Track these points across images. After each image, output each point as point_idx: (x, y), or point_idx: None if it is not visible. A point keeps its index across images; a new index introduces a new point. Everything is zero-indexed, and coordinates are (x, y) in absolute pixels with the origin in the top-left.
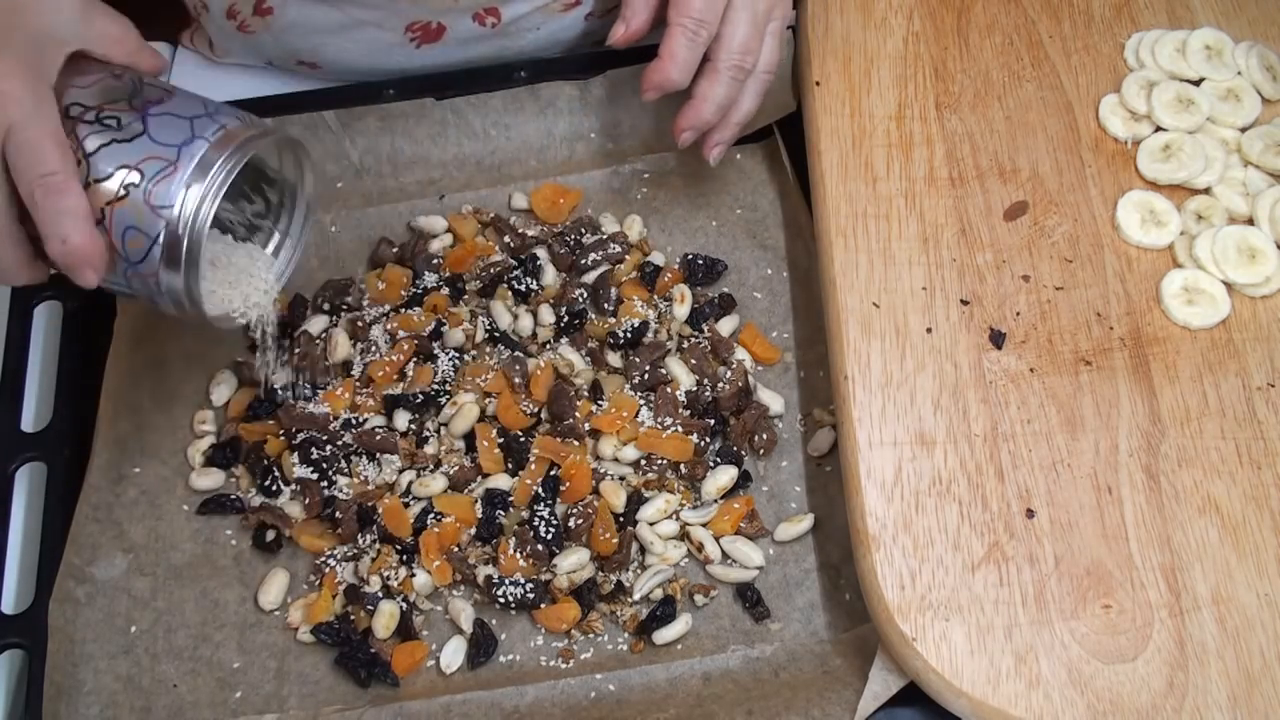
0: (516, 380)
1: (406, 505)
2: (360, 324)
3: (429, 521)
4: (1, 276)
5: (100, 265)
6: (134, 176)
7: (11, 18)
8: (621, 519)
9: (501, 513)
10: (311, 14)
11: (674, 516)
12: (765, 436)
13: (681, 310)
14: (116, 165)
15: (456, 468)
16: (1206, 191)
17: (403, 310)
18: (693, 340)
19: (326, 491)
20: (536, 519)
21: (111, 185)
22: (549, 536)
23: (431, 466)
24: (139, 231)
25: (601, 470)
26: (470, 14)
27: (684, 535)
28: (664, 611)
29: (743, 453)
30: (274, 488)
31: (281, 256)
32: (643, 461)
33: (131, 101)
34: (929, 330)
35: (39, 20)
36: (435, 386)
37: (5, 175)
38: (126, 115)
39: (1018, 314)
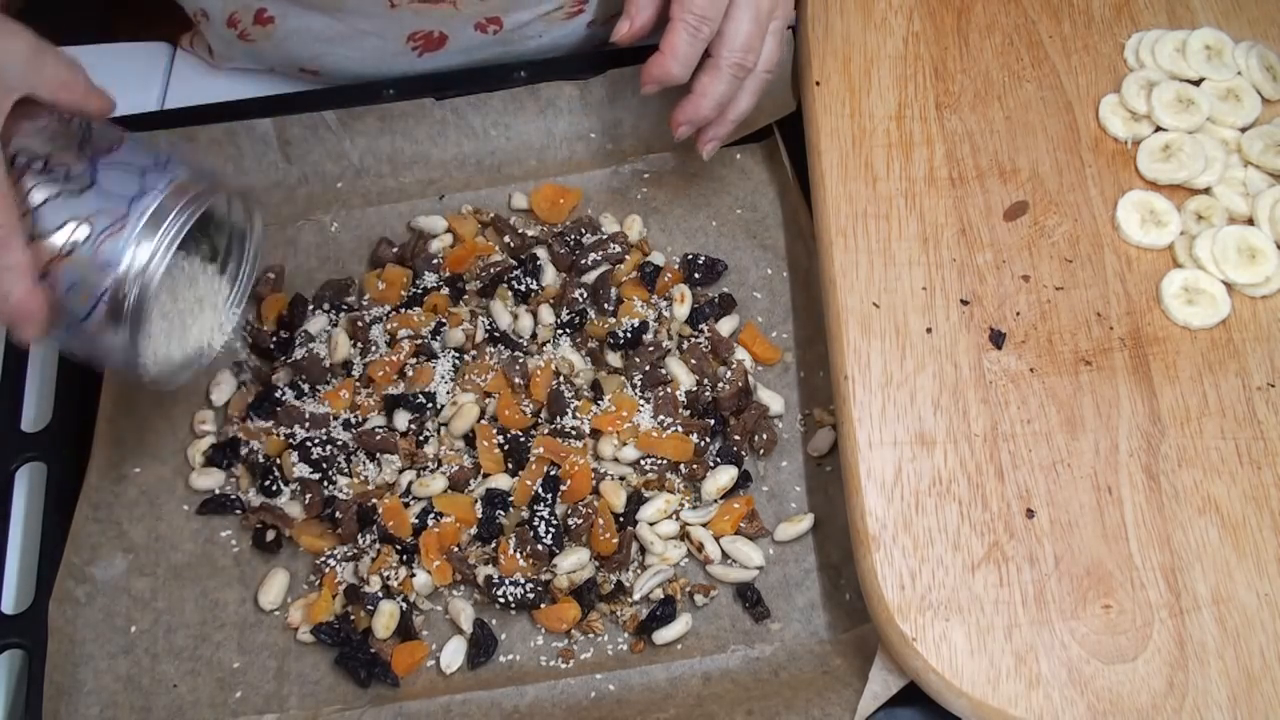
0: (516, 380)
1: (406, 505)
2: (360, 324)
3: (429, 521)
4: None
5: (42, 322)
6: (82, 231)
7: None
8: (621, 519)
9: (501, 513)
10: (312, 23)
11: (674, 516)
12: (765, 436)
13: (681, 310)
14: (63, 219)
15: (456, 468)
16: (1206, 191)
17: (403, 310)
18: (693, 340)
19: (326, 491)
20: (536, 519)
21: (57, 240)
22: (549, 536)
23: (431, 466)
24: (84, 288)
25: (601, 470)
26: (472, 23)
27: (684, 535)
28: (664, 611)
29: (743, 453)
30: (274, 488)
31: (229, 300)
32: (643, 461)
33: (81, 149)
34: (929, 330)
35: None
36: (435, 386)
37: None
38: (76, 164)
39: (1018, 314)
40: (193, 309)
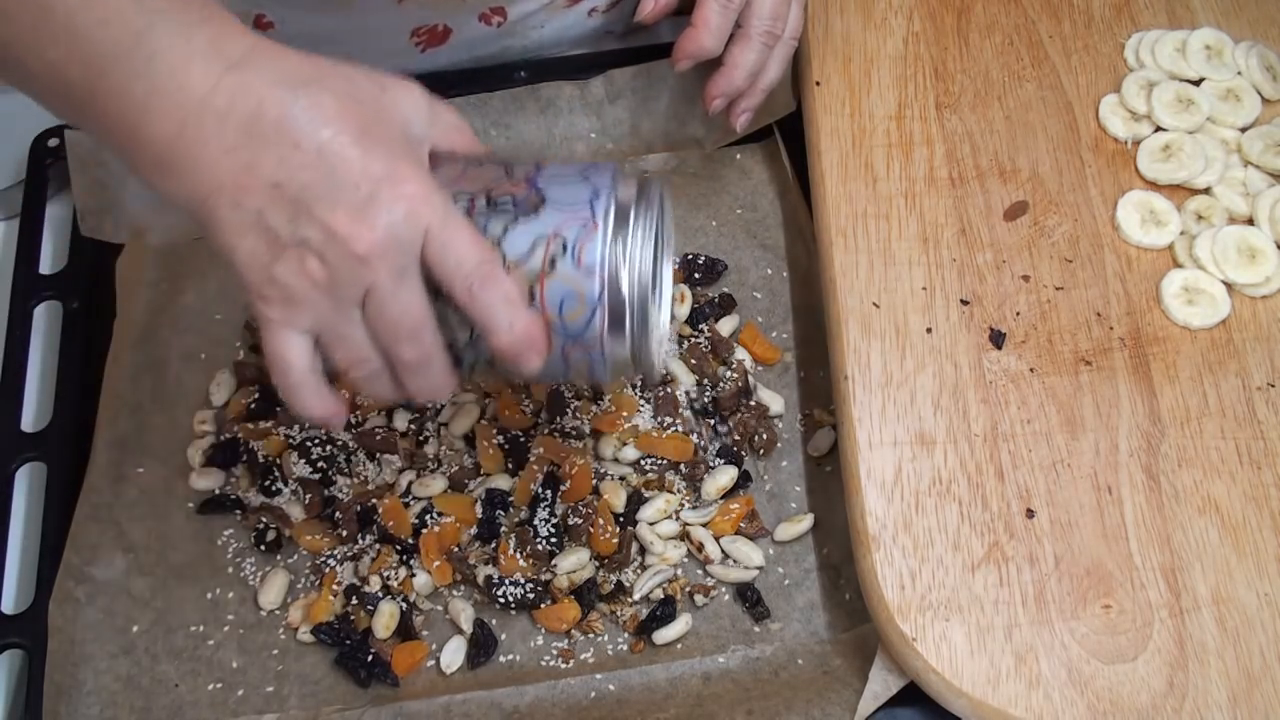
0: (516, 381)
1: (406, 505)
2: None
3: (429, 521)
4: (426, 394)
5: (544, 347)
6: (555, 246)
7: (381, 123)
8: (621, 519)
9: (501, 513)
10: (314, 26)
11: (674, 516)
12: (765, 436)
13: (681, 310)
14: (531, 240)
15: (456, 468)
16: (1206, 191)
17: None
18: (693, 340)
19: (326, 491)
20: (536, 519)
21: (535, 262)
22: (549, 536)
23: (431, 466)
24: (577, 299)
25: (601, 470)
26: (476, 14)
27: (684, 535)
28: (664, 611)
29: (743, 453)
30: (274, 488)
31: (665, 287)
32: (643, 461)
33: (514, 176)
34: (929, 330)
35: (400, 122)
36: None
37: (424, 283)
38: (518, 190)
39: (1018, 314)
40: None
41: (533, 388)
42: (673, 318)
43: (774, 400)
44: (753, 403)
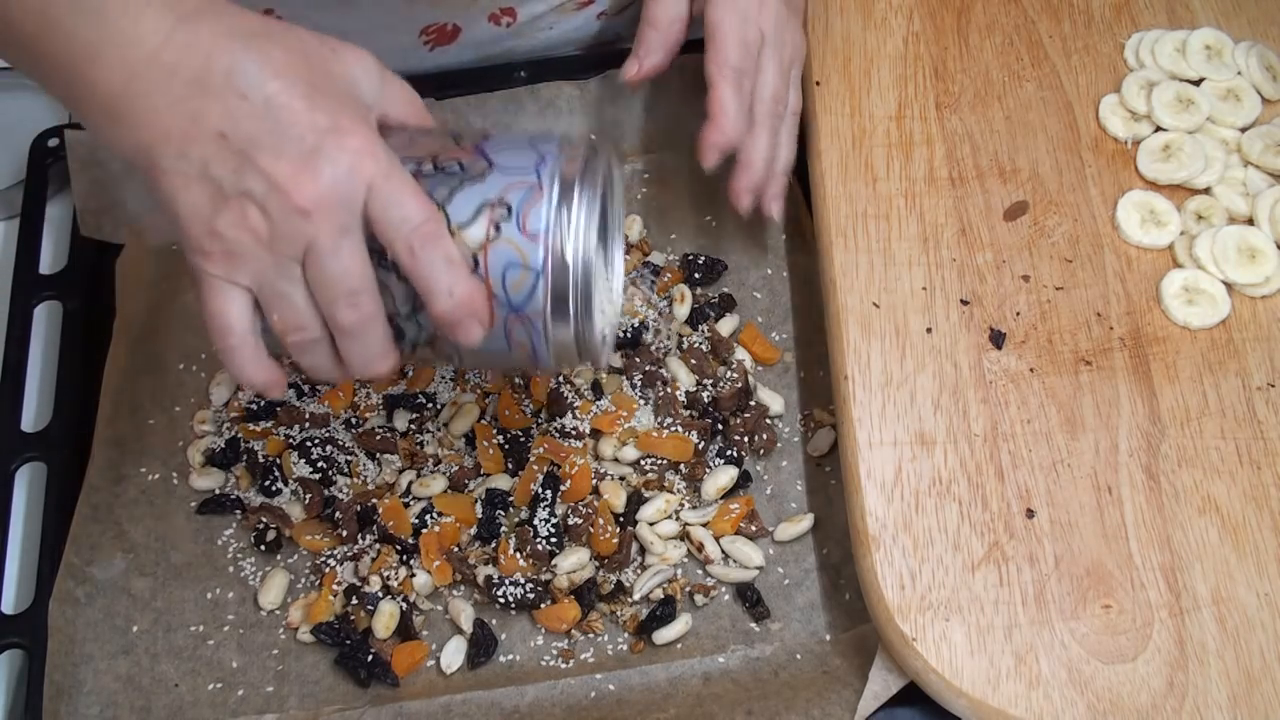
0: (516, 380)
1: (406, 505)
2: None
3: (429, 521)
4: (363, 367)
5: (485, 315)
6: (500, 212)
7: (329, 80)
8: (621, 519)
9: (501, 513)
10: (322, 21)
11: (674, 516)
12: (765, 437)
13: (681, 310)
14: (477, 205)
15: (456, 468)
16: (1206, 191)
17: None
18: (693, 340)
19: (326, 491)
20: (536, 519)
21: (479, 227)
22: (549, 536)
23: (431, 466)
24: (521, 267)
25: (601, 470)
26: (486, 14)
27: (684, 535)
28: (664, 611)
29: (742, 453)
30: (274, 488)
31: (615, 268)
32: (643, 461)
33: (459, 143)
34: (929, 330)
35: (348, 83)
36: (435, 387)
37: (364, 243)
38: (465, 156)
39: (1018, 314)
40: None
41: (533, 388)
42: (619, 311)
43: (774, 400)
44: (753, 403)
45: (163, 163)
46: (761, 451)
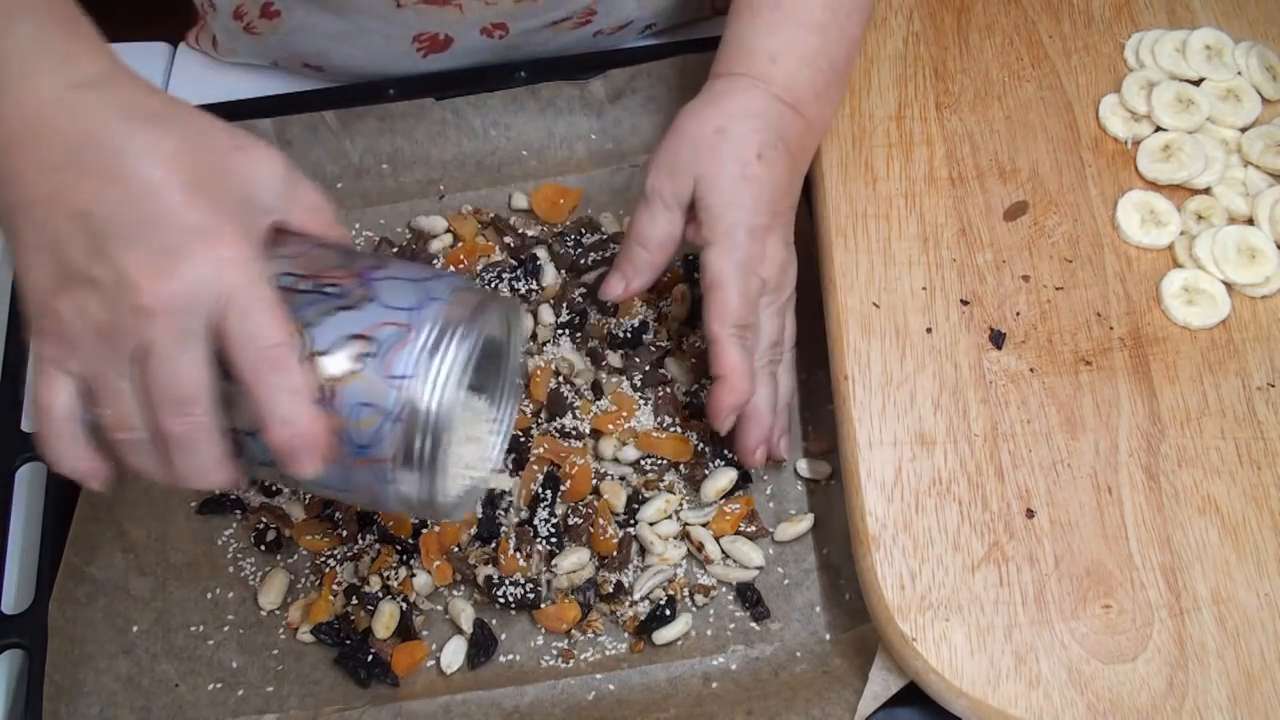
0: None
1: None
2: None
3: (429, 521)
4: (193, 478)
5: (322, 450)
6: (366, 346)
7: (221, 179)
8: (621, 519)
9: (501, 513)
10: (318, 20)
11: (674, 516)
12: None
13: (681, 310)
14: (343, 335)
15: None
16: (1206, 191)
17: None
18: (693, 340)
19: None
20: (536, 519)
21: (339, 358)
22: (549, 536)
23: None
24: (373, 409)
25: (601, 470)
26: (478, 28)
27: (684, 535)
28: (664, 611)
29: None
30: (274, 488)
31: (494, 429)
32: (643, 461)
33: (351, 267)
34: (929, 330)
35: (245, 185)
36: None
37: (211, 357)
38: (347, 281)
39: (1018, 314)
40: (464, 439)
41: (533, 388)
42: (490, 475)
43: None
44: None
45: (21, 228)
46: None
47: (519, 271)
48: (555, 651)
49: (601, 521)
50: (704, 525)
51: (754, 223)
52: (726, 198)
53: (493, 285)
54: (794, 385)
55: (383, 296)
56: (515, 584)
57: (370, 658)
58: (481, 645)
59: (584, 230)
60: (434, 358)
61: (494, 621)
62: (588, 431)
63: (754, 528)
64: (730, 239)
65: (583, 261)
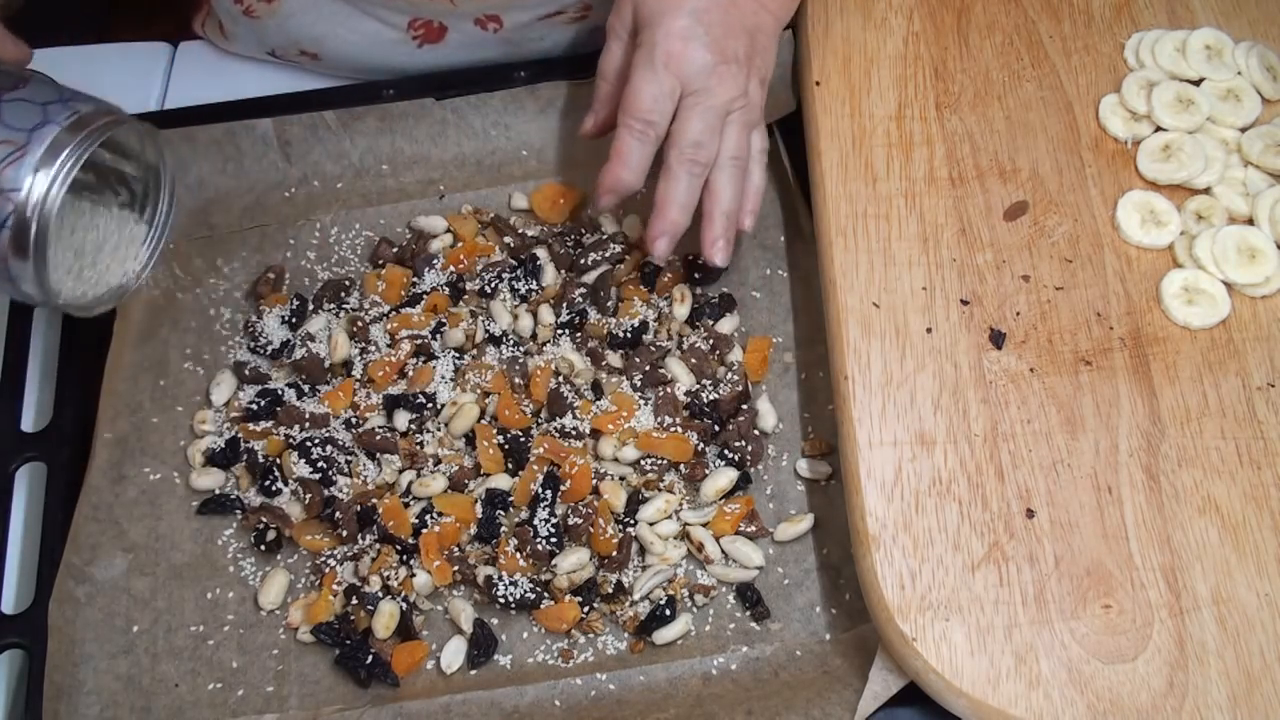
0: (516, 380)
1: (406, 505)
2: (360, 324)
3: (429, 521)
4: None
5: None
6: None
7: None
8: (621, 519)
9: (501, 513)
10: (317, 1)
11: (674, 516)
12: (751, 449)
13: (681, 310)
14: None
15: (456, 468)
16: (1206, 191)
17: (402, 310)
18: (693, 340)
19: (326, 491)
20: (536, 519)
21: None
22: (549, 536)
23: (431, 466)
24: None
25: (601, 470)
26: (471, 18)
27: (684, 535)
28: (664, 611)
29: (735, 457)
30: (274, 488)
31: (149, 238)
32: (643, 461)
33: None
34: (929, 330)
35: None
36: (435, 386)
37: None
38: None
39: (1018, 314)
40: (110, 249)
41: (533, 388)
42: (133, 284)
43: (769, 415)
44: (745, 407)
45: None
46: (749, 460)
47: (519, 271)
48: (555, 651)
49: (601, 521)
50: (704, 525)
51: (672, 26)
52: (652, 6)
53: (493, 285)
54: (734, 194)
55: (5, 116)
56: (515, 584)
57: (370, 658)
58: (481, 645)
59: (584, 230)
60: (39, 173)
61: (494, 621)
62: (588, 431)
63: (754, 528)
64: (650, 39)
65: (583, 261)
